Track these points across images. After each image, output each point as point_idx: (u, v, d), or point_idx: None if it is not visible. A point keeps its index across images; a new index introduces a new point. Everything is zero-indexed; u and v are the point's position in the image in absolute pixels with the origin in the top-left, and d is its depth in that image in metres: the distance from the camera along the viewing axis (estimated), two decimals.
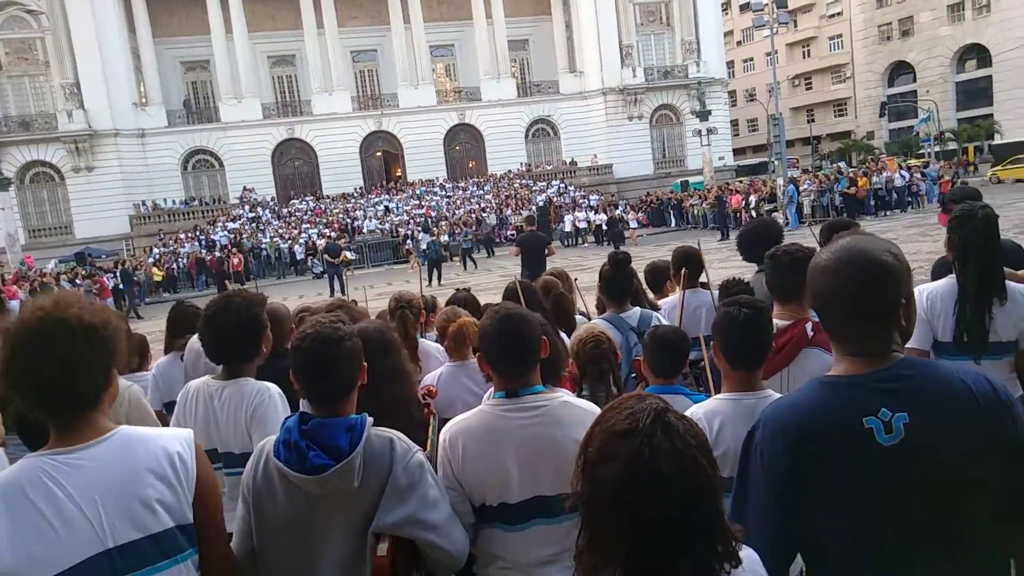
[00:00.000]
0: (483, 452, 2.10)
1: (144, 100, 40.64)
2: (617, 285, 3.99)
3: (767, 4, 31.46)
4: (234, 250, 30.95)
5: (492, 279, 20.20)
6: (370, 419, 1.95)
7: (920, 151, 45.00)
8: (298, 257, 31.78)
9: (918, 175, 28.56)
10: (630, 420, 1.25)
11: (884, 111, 49.32)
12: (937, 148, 42.28)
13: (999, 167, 37.89)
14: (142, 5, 39.55)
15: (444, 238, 27.58)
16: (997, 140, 49.09)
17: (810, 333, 2.79)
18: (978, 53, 53.90)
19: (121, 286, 25.25)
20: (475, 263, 26.08)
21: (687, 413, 2.20)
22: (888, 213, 26.53)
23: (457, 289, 4.52)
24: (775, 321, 2.85)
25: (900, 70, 59.67)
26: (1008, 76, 51.19)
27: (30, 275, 27.48)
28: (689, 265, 4.32)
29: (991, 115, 51.54)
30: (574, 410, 2.14)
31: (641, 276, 4.78)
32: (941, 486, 1.41)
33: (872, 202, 26.59)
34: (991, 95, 52.77)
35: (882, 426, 1.42)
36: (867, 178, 27.16)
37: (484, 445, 2.11)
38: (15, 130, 36.63)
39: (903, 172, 27.37)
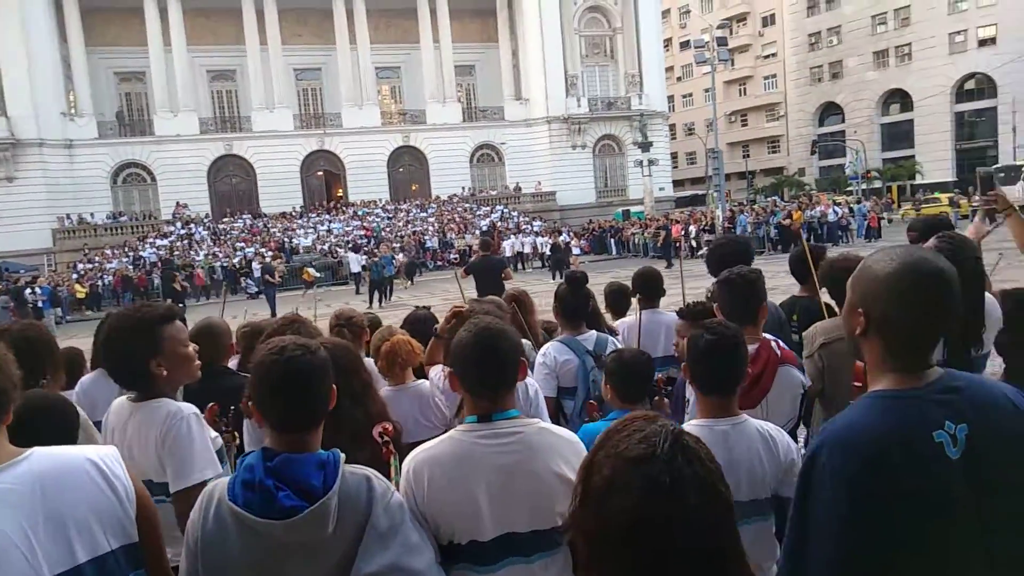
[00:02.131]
0: (451, 483, 1.91)
1: (73, 110, 39.03)
2: (572, 305, 3.85)
3: (708, 42, 32.51)
4: (198, 266, 29.73)
5: (434, 302, 19.82)
6: (343, 455, 1.74)
7: (848, 188, 47.04)
8: (255, 275, 30.11)
9: (846, 210, 29.87)
10: (645, 444, 1.12)
11: (815, 149, 51.55)
12: (864, 186, 44.26)
13: (911, 207, 39.75)
14: (75, 14, 38.13)
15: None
16: (919, 180, 51.80)
17: (778, 352, 2.78)
18: (901, 98, 57.05)
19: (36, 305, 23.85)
20: (389, 292, 23.76)
21: None
22: (821, 245, 27.53)
23: (416, 307, 4.30)
24: None
25: (830, 111, 62.56)
26: (927, 121, 54.29)
27: None
28: (645, 287, 4.30)
29: (913, 156, 54.41)
30: (551, 437, 1.98)
31: (600, 299, 4.65)
32: (1005, 496, 1.41)
33: (805, 235, 27.51)
34: (912, 138, 55.79)
35: (950, 439, 1.41)
36: (801, 212, 28.16)
37: (453, 475, 1.92)
38: None
39: (836, 208, 28.60)
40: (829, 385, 3.01)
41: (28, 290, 25.95)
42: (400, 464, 2.08)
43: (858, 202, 31.30)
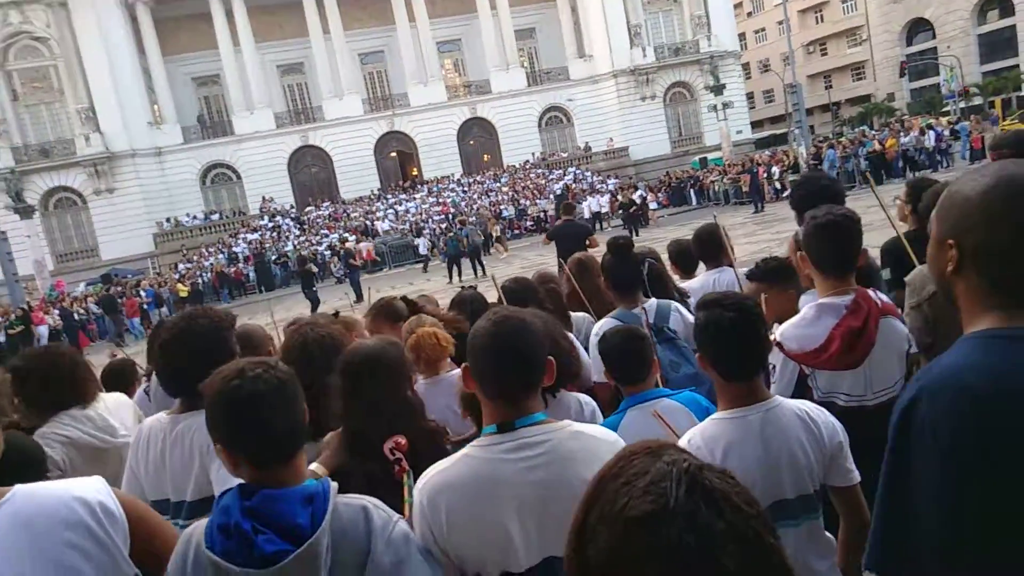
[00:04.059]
0: (475, 512, 1.63)
1: (158, 119, 40.96)
2: (622, 276, 3.36)
3: None
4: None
5: (511, 271, 19.78)
6: (334, 484, 1.53)
7: (945, 108, 43.78)
8: (324, 260, 31.29)
9: (947, 132, 27.70)
10: (654, 496, 0.80)
11: (904, 71, 48.16)
12: (963, 104, 41.06)
13: (1007, 121, 36.40)
14: (149, 24, 39.80)
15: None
16: None
17: (879, 301, 2.46)
18: (1000, 3, 52.25)
19: (148, 313, 25.30)
20: (480, 266, 22.55)
21: (683, 444, 1.76)
22: (918, 174, 25.73)
23: (463, 286, 4.05)
24: (830, 299, 2.46)
25: (918, 27, 58.08)
26: None
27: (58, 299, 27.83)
28: (702, 249, 4.09)
29: (1017, 66, 49.95)
30: (587, 441, 1.70)
31: (666, 258, 4.35)
32: None
33: (900, 164, 25.80)
34: (1016, 45, 51.15)
35: None
36: (895, 139, 26.37)
37: (475, 502, 1.63)
38: (35, 158, 37.08)
39: (935, 130, 26.54)
40: (940, 340, 2.65)
41: (140, 292, 27.67)
42: (414, 482, 1.84)
43: (958, 121, 28.91)
